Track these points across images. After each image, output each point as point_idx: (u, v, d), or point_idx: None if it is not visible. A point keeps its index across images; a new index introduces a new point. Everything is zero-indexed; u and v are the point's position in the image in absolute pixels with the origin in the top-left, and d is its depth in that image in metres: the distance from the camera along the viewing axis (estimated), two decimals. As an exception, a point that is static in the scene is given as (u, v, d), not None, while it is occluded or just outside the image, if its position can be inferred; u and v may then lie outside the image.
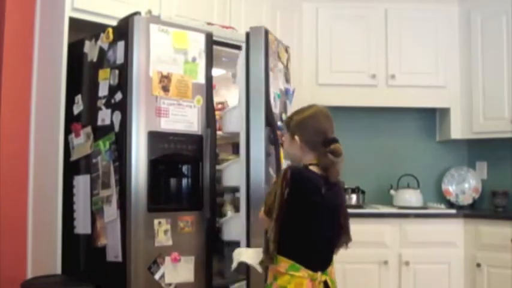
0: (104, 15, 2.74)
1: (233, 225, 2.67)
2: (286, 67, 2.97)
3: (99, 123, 2.48)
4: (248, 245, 2.55)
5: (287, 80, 2.99)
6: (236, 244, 2.58)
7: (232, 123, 2.73)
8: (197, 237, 2.47)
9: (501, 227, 3.37)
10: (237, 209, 2.77)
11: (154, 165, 2.37)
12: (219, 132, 2.71)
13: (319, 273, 2.09)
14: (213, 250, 2.54)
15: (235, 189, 2.78)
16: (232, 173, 2.69)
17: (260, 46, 2.64)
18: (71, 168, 2.62)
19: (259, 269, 2.17)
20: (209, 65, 2.58)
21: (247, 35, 2.67)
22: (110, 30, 2.49)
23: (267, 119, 2.61)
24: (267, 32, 2.66)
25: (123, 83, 2.38)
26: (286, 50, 2.97)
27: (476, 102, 3.81)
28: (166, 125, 2.42)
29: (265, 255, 2.10)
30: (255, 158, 2.59)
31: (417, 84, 3.86)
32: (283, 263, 2.06)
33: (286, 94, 2.94)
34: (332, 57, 3.86)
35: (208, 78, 2.58)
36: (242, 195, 2.63)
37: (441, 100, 3.94)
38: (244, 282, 2.58)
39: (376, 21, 3.90)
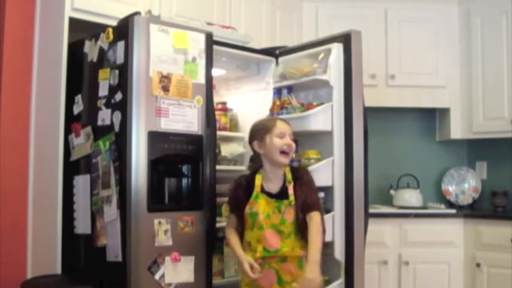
0: (104, 15, 2.74)
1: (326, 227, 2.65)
2: None
3: (99, 123, 2.48)
4: (351, 244, 2.65)
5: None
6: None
7: (320, 121, 2.74)
8: (197, 237, 2.47)
9: (501, 227, 3.37)
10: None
11: (155, 165, 2.36)
12: (219, 132, 2.71)
13: None
14: (213, 250, 2.54)
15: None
16: (322, 174, 2.69)
17: (359, 50, 2.74)
18: (71, 168, 2.62)
19: None
20: (209, 65, 2.58)
21: (348, 36, 2.73)
22: (110, 30, 2.48)
23: (365, 119, 2.74)
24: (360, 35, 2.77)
25: (123, 83, 2.38)
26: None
27: (476, 102, 3.81)
28: (166, 125, 2.41)
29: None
30: (357, 158, 2.70)
31: (417, 84, 3.86)
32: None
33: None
34: (332, 57, 3.86)
35: (208, 78, 2.57)
36: (337, 195, 2.70)
37: (441, 100, 3.93)
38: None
39: (376, 21, 3.90)
